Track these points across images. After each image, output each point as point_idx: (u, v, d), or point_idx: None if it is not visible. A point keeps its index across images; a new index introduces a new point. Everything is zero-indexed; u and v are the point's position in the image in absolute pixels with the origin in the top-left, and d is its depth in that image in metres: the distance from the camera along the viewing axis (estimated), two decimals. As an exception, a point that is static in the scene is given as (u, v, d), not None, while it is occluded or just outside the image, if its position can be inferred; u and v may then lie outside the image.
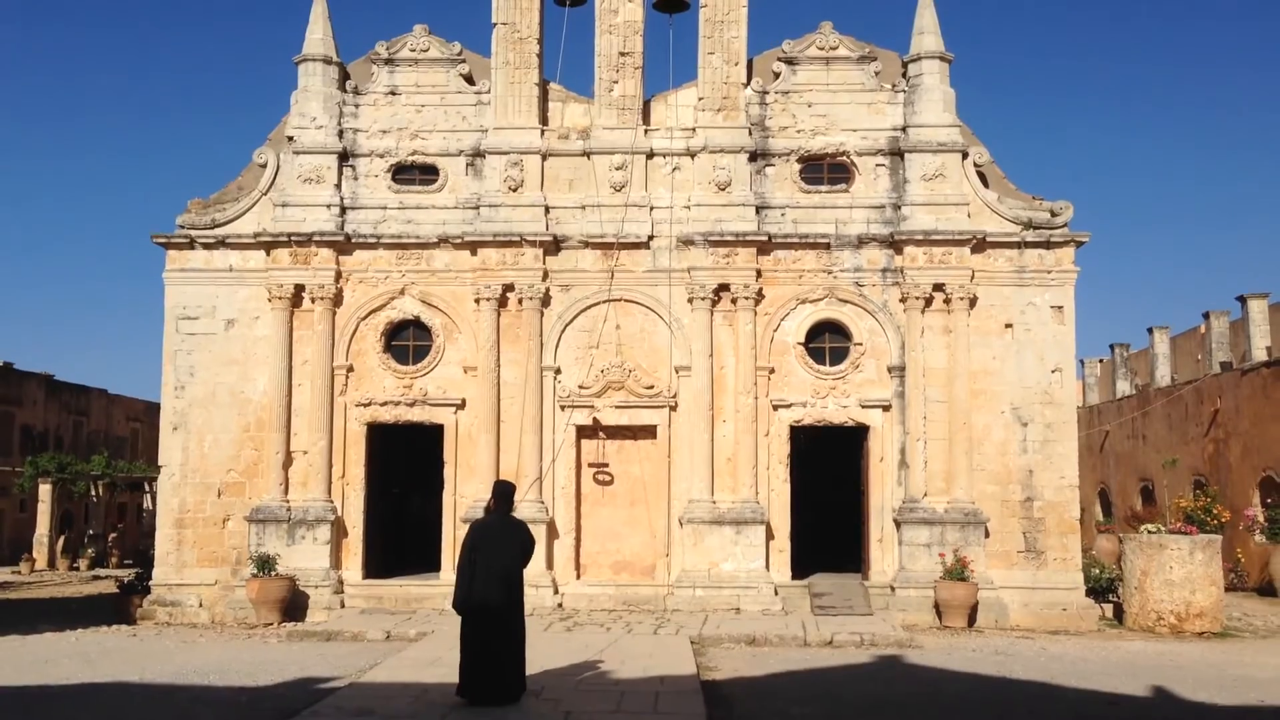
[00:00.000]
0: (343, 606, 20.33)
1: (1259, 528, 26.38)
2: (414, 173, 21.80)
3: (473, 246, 21.17)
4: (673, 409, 21.03)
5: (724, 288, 20.94)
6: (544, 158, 21.47)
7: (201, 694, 13.43)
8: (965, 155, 21.15)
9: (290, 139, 21.60)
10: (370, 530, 21.39)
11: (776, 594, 20.15)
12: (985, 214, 21.07)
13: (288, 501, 20.81)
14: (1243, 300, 30.79)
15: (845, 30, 21.69)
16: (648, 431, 21.17)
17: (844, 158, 21.42)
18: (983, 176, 21.35)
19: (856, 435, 21.43)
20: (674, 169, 21.50)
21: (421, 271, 21.39)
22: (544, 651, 14.78)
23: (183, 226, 21.53)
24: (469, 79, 21.84)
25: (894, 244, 20.92)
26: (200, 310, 21.34)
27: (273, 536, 20.50)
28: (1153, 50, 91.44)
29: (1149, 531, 20.01)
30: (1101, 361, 41.98)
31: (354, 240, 21.31)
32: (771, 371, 21.02)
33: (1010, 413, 20.72)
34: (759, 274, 20.95)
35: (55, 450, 41.39)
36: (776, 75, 21.64)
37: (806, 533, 21.69)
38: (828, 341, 21.31)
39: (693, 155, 21.39)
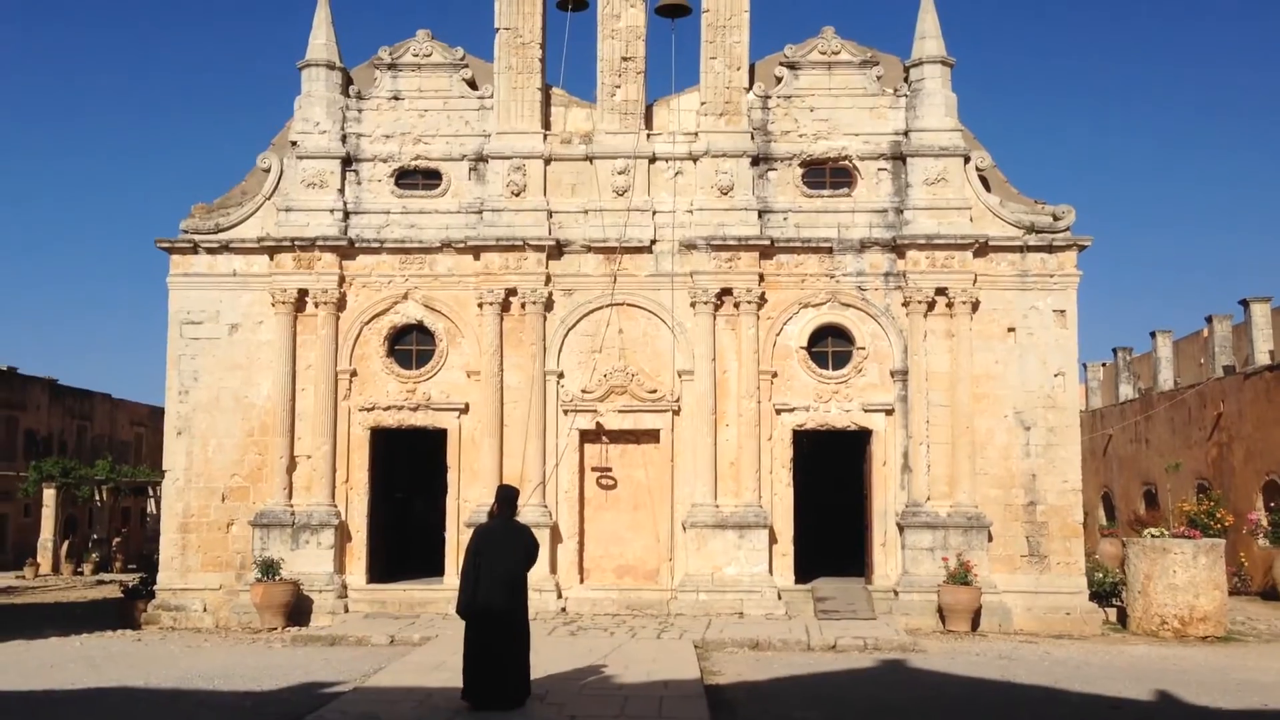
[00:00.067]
0: (346, 611, 20.35)
1: (1262, 531, 26.36)
2: (417, 177, 21.85)
3: (476, 251, 21.21)
4: (675, 413, 21.06)
5: (726, 292, 20.97)
6: (546, 162, 21.52)
7: (206, 699, 13.46)
8: (967, 159, 21.18)
9: (294, 144, 21.65)
10: (374, 535, 21.41)
11: (780, 598, 20.16)
12: (987, 218, 21.09)
13: (291, 506, 20.84)
14: (1245, 304, 30.78)
15: (847, 35, 21.74)
16: (651, 435, 21.19)
17: (846, 162, 21.45)
18: (985, 180, 21.38)
19: (859, 439, 21.44)
20: (676, 173, 21.54)
21: (424, 276, 21.44)
22: (548, 656, 14.79)
23: (186, 231, 21.58)
24: (472, 84, 21.89)
25: (896, 248, 20.94)
26: (204, 315, 21.39)
27: (277, 541, 20.53)
28: (1154, 52, 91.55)
29: (1152, 535, 20.00)
30: (1104, 365, 41.95)
31: (357, 245, 21.35)
32: (774, 376, 21.04)
33: (1013, 416, 20.73)
34: (761, 278, 20.98)
35: (59, 455, 41.45)
36: (779, 80, 21.68)
37: (809, 537, 21.71)
38: (830, 345, 21.33)
39: (695, 160, 21.42)
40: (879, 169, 21.36)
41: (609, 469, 21.31)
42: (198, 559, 20.97)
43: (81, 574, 36.05)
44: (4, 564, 38.59)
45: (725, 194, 21.20)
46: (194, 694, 13.72)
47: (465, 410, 21.21)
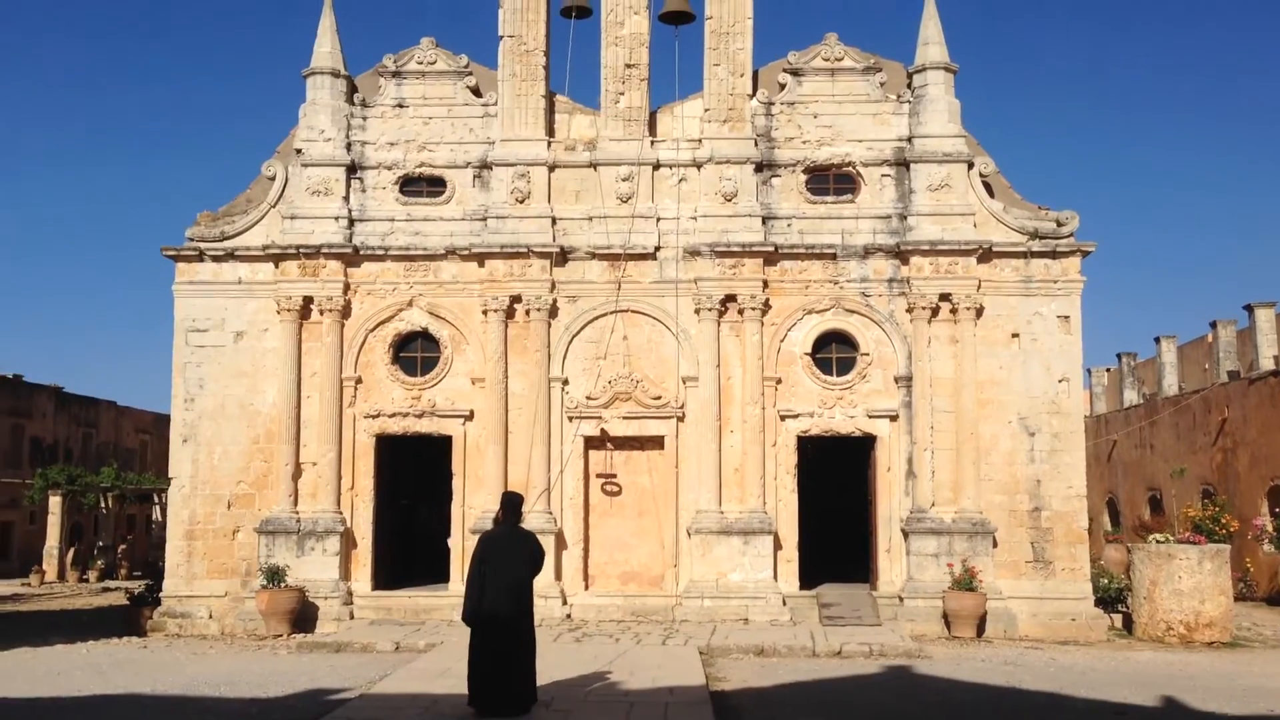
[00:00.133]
0: (352, 618, 20.38)
1: (1267, 537, 26.34)
2: (421, 185, 21.90)
3: (480, 258, 21.25)
4: (680, 419, 21.08)
5: (731, 298, 21.00)
6: (551, 169, 21.57)
7: (213, 705, 13.49)
8: (971, 165, 21.21)
9: (298, 151, 21.72)
10: (379, 541, 21.44)
11: (784, 604, 20.16)
12: (991, 224, 21.12)
13: (297, 513, 20.87)
14: (1250, 309, 30.72)
15: (850, 42, 21.80)
16: (655, 442, 21.21)
17: (850, 168, 21.49)
18: (988, 186, 21.41)
19: (864, 445, 21.45)
20: (680, 180, 21.59)
21: (429, 283, 21.48)
22: (553, 662, 14.80)
23: (192, 239, 21.64)
24: (476, 91, 21.95)
25: (900, 254, 20.96)
26: (209, 322, 21.45)
27: (282, 548, 20.55)
28: (1158, 57, 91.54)
29: (1157, 541, 19.99)
30: (1108, 371, 41.90)
31: (362, 252, 21.40)
32: (778, 382, 21.06)
33: (1017, 422, 20.74)
34: (765, 284, 21.01)
35: (65, 462, 41.53)
36: (782, 86, 21.72)
37: (814, 543, 21.71)
38: (834, 352, 21.34)
39: (699, 166, 21.47)
40: (882, 175, 21.39)
41: (614, 475, 21.34)
42: (203, 566, 21.01)
43: (87, 581, 36.13)
44: (10, 571, 38.68)
45: (729, 200, 21.24)
46: (200, 701, 13.75)
47: (470, 417, 21.24)
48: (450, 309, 21.47)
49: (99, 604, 27.55)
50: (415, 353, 21.68)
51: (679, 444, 21.04)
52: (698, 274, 21.06)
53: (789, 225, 21.31)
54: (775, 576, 20.45)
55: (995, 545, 20.29)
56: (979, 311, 20.83)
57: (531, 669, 12.17)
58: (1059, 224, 21.10)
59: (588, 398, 21.18)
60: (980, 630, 19.51)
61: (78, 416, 46.23)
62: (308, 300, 21.32)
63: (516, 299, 21.17)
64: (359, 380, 21.42)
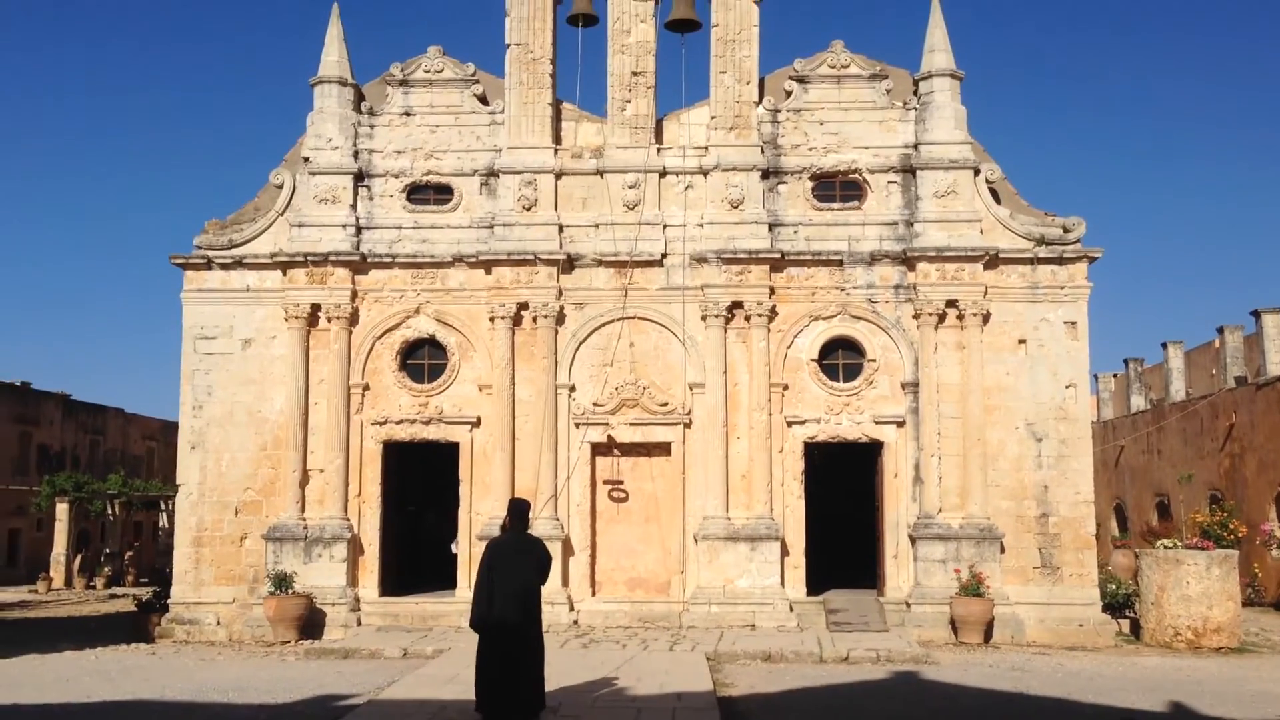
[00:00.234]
0: (359, 624, 20.41)
1: (1275, 543, 26.28)
2: (428, 192, 21.98)
3: (487, 265, 21.31)
4: (687, 426, 21.10)
5: (737, 305, 21.03)
6: (557, 177, 21.63)
7: (221, 712, 13.53)
8: (977, 172, 21.24)
9: (306, 160, 21.80)
10: (386, 548, 21.48)
11: (792, 610, 20.17)
12: (998, 230, 21.14)
13: (304, 520, 20.92)
14: (1257, 315, 30.72)
15: (856, 49, 21.84)
16: (662, 448, 21.24)
17: (856, 175, 21.53)
18: (995, 193, 21.43)
19: (871, 451, 21.46)
20: (687, 187, 21.64)
21: (436, 290, 21.54)
22: (561, 668, 14.81)
23: (200, 247, 21.73)
24: (483, 99, 22.02)
25: (907, 261, 20.99)
26: (218, 330, 21.52)
27: (290, 554, 20.60)
28: (1165, 63, 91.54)
29: (1165, 547, 19.96)
30: (1116, 376, 41.89)
31: (369, 260, 21.47)
32: (785, 388, 21.08)
33: (1024, 428, 20.74)
34: (772, 291, 21.04)
35: (72, 469, 41.65)
36: (788, 93, 21.77)
37: (821, 549, 21.70)
38: (841, 358, 21.37)
39: (705, 173, 21.51)
40: (889, 182, 21.43)
41: (620, 482, 21.37)
42: (211, 573, 21.06)
43: (94, 588, 36.15)
44: (17, 578, 38.75)
45: (735, 207, 21.28)
46: (209, 707, 13.79)
47: (477, 424, 21.29)
48: (457, 316, 21.53)
49: (106, 610, 27.59)
50: (422, 360, 21.75)
51: (686, 450, 21.07)
52: (704, 281, 21.10)
53: (795, 232, 21.35)
54: (782, 582, 20.46)
55: (1003, 551, 20.28)
56: (986, 317, 20.84)
57: (539, 675, 12.17)
58: (1065, 230, 21.12)
59: (594, 404, 21.21)
60: (988, 636, 19.50)
61: (85, 424, 46.36)
62: (315, 308, 21.39)
63: (524, 306, 21.22)
64: (366, 387, 21.48)
